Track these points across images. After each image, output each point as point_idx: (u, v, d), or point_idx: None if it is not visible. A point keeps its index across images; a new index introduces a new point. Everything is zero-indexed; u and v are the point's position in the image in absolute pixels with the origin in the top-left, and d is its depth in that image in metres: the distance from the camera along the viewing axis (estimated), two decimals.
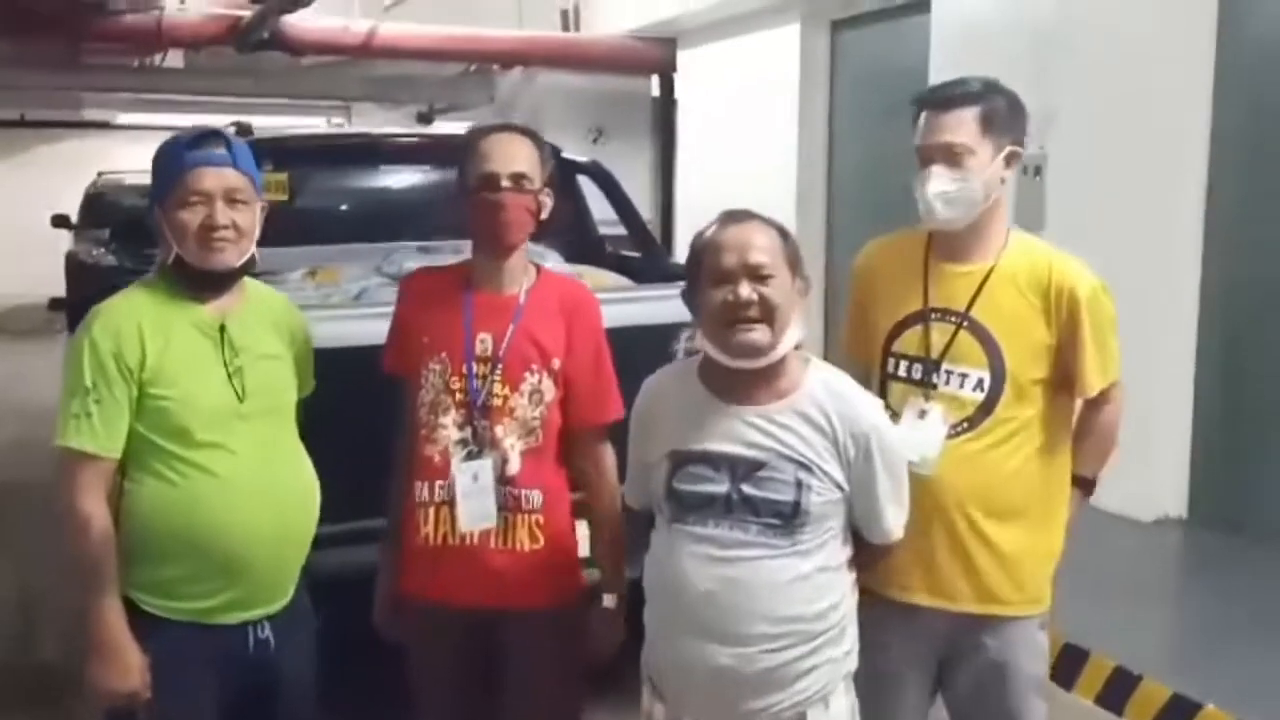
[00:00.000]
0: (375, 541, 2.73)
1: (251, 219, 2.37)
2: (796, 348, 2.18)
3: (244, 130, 4.36)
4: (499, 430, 2.47)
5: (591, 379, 2.55)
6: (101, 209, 12.50)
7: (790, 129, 8.87)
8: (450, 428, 2.48)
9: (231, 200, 2.32)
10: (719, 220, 2.21)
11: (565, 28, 11.60)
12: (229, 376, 2.34)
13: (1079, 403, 2.54)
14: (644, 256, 5.08)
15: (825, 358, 2.30)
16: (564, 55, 11.20)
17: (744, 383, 2.17)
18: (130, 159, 13.75)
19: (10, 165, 18.72)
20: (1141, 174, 5.61)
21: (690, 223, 8.13)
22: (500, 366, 2.47)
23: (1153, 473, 5.54)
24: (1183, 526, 5.64)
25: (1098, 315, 2.44)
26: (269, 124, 6.51)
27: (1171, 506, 5.68)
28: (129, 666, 2.26)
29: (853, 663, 2.25)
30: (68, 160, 17.49)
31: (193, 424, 2.28)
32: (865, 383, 2.38)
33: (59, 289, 12.36)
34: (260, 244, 2.41)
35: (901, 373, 2.52)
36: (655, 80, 11.38)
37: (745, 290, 2.10)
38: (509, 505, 2.47)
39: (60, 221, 13.58)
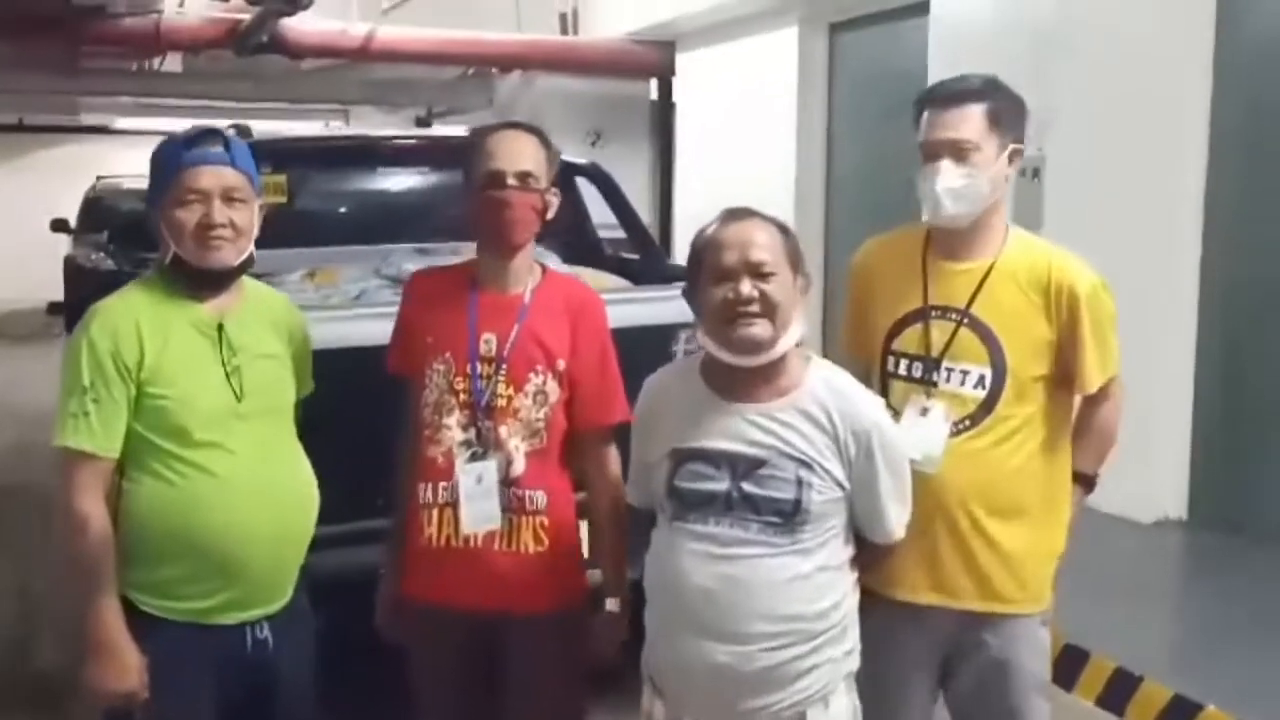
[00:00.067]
0: (374, 542, 2.73)
1: (249, 218, 2.36)
2: (797, 345, 2.18)
3: (243, 133, 4.35)
4: (503, 431, 2.45)
5: (597, 380, 2.53)
6: (100, 213, 12.54)
7: (789, 132, 8.88)
8: (454, 428, 2.46)
9: (229, 199, 2.32)
10: (720, 218, 2.21)
11: (564, 31, 11.61)
12: (227, 376, 2.33)
13: (1078, 399, 2.53)
14: (642, 258, 5.08)
15: (824, 357, 2.30)
16: (563, 58, 11.20)
17: (745, 381, 2.17)
18: (128, 163, 13.78)
19: (8, 170, 18.73)
20: (1141, 174, 5.61)
21: (689, 225, 8.14)
22: (504, 367, 2.46)
23: (1153, 474, 5.54)
24: (1183, 527, 5.64)
25: (1097, 312, 2.44)
26: (268, 128, 6.51)
27: (1171, 507, 5.68)
28: (127, 667, 2.25)
29: (854, 663, 2.24)
30: (66, 165, 17.50)
31: (191, 423, 2.27)
32: (865, 381, 2.37)
33: (57, 293, 12.39)
34: (259, 245, 2.40)
35: (902, 371, 2.52)
36: (654, 83, 11.39)
37: (746, 287, 2.10)
38: (513, 507, 2.46)
39: (59, 226, 13.62)
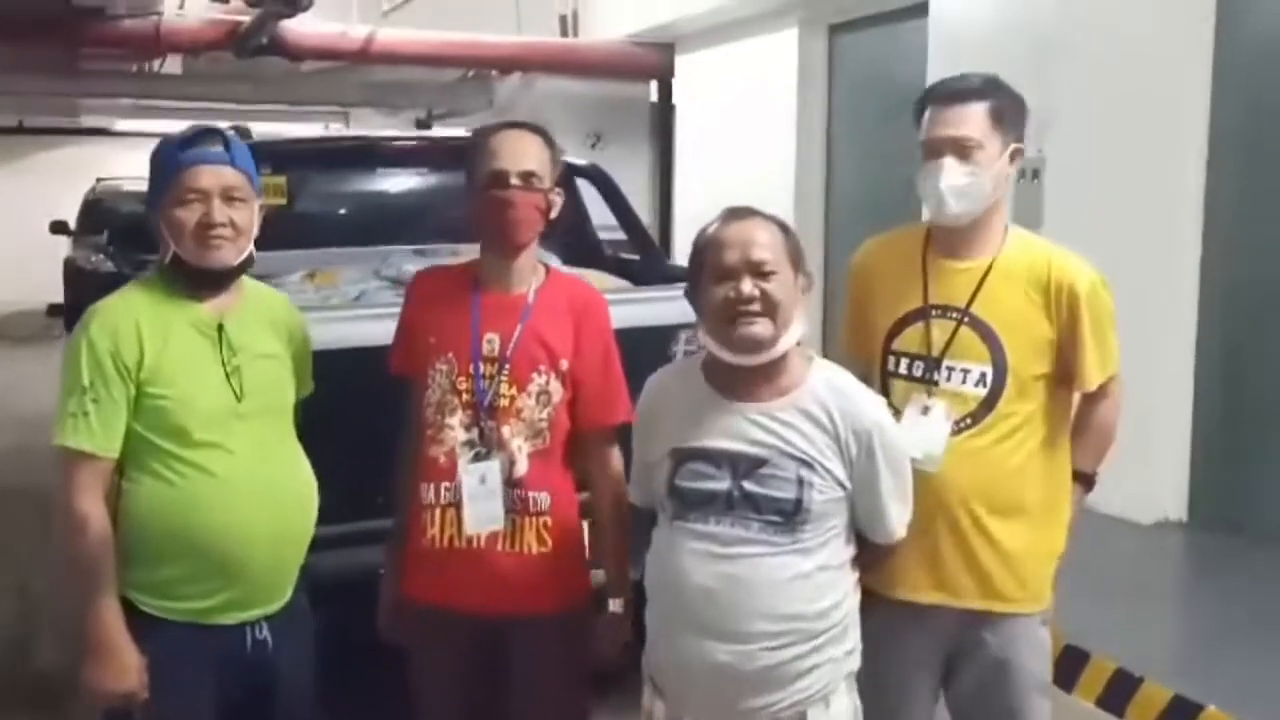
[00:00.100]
0: (375, 543, 2.73)
1: (249, 217, 2.36)
2: (798, 345, 2.18)
3: (243, 134, 4.33)
4: (506, 431, 2.44)
5: (600, 380, 2.52)
6: (100, 215, 12.55)
7: (788, 133, 8.87)
8: (457, 429, 2.45)
9: (229, 198, 2.31)
10: (721, 217, 2.21)
11: (564, 33, 11.61)
12: (227, 376, 2.33)
13: (1077, 397, 2.53)
14: (642, 259, 5.08)
15: (824, 356, 2.30)
16: (562, 60, 11.20)
17: (746, 380, 2.17)
18: (128, 165, 13.78)
19: (8, 172, 18.75)
20: (1140, 174, 5.61)
21: (689, 226, 8.13)
22: (507, 367, 2.45)
23: (1153, 474, 5.54)
24: (1183, 528, 5.64)
25: (1097, 310, 2.44)
26: (267, 130, 6.51)
27: (1171, 508, 5.67)
28: (126, 667, 2.25)
29: (854, 662, 2.24)
30: (66, 167, 17.53)
31: (190, 423, 2.27)
32: (866, 381, 2.37)
33: (57, 295, 12.40)
34: (258, 247, 2.40)
35: (903, 370, 2.52)
36: (654, 85, 11.38)
37: (748, 286, 2.10)
38: (517, 507, 2.45)
39: (59, 228, 13.63)
